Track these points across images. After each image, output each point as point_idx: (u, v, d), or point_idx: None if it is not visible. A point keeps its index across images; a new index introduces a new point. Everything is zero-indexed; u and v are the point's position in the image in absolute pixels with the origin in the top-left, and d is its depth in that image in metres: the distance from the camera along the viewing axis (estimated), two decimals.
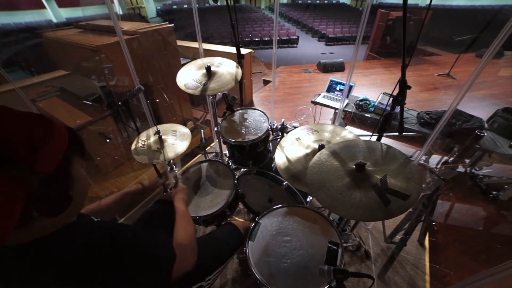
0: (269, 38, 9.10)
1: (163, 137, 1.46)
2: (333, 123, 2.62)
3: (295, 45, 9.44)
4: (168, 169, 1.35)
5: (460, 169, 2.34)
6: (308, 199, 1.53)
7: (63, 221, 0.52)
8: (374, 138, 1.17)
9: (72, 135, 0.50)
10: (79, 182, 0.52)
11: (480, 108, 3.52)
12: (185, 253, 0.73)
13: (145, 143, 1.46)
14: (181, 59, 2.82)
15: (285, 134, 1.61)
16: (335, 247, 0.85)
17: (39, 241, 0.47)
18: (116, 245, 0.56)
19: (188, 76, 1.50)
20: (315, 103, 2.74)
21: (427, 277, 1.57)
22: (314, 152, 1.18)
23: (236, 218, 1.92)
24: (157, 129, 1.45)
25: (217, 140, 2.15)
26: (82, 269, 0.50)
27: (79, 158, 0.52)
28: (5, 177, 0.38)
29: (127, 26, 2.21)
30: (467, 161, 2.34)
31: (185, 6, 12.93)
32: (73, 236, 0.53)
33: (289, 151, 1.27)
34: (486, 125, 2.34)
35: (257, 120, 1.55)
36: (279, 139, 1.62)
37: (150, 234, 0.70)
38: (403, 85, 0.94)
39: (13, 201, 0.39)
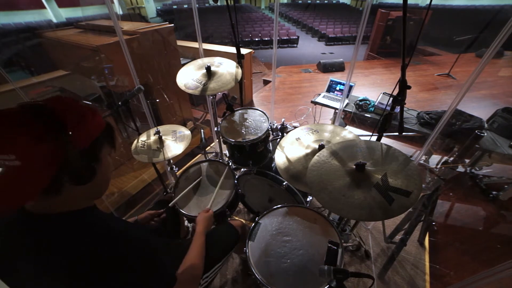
0: (269, 38, 9.09)
1: (163, 137, 1.46)
2: (333, 123, 2.63)
3: (295, 45, 9.44)
4: (168, 169, 1.35)
5: (460, 169, 2.35)
6: (308, 199, 1.53)
7: (83, 201, 0.58)
8: (374, 138, 1.17)
9: (107, 126, 0.60)
10: (104, 166, 0.60)
11: (480, 108, 3.52)
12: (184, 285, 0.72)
13: (145, 143, 1.47)
14: (181, 59, 2.82)
15: (285, 134, 1.61)
16: (335, 247, 0.85)
17: (58, 215, 0.53)
18: (126, 245, 0.56)
19: (188, 76, 1.50)
20: (315, 103, 2.74)
21: (427, 277, 1.57)
22: (314, 152, 1.18)
23: (236, 218, 1.92)
24: (157, 129, 1.45)
25: (217, 140, 2.15)
26: (86, 254, 0.52)
27: (108, 146, 0.61)
28: (53, 140, 0.47)
29: (127, 26, 2.20)
30: (467, 161, 2.34)
31: (185, 6, 12.92)
32: (90, 219, 0.57)
33: (289, 151, 1.27)
34: (486, 125, 2.34)
35: (257, 120, 1.55)
36: (279, 139, 1.63)
37: (160, 248, 0.69)
38: (403, 85, 0.94)
39: (52, 161, 0.47)
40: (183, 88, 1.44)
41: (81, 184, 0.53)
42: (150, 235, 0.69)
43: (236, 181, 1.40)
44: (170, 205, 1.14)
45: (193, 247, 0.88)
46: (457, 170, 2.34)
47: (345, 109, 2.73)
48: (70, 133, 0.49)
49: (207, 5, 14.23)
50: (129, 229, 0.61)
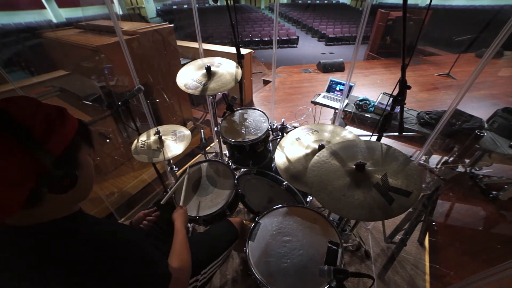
0: (269, 38, 9.09)
1: (163, 137, 1.46)
2: (333, 123, 2.63)
3: (295, 45, 9.43)
4: (168, 169, 1.35)
5: (460, 169, 2.35)
6: (308, 199, 1.53)
7: (68, 206, 0.56)
8: (374, 138, 1.17)
9: (82, 125, 0.57)
10: (85, 168, 0.57)
11: (480, 108, 3.52)
12: (178, 280, 0.71)
13: (145, 143, 1.47)
14: (181, 59, 2.82)
15: (285, 134, 1.61)
16: (335, 247, 0.85)
17: (43, 224, 0.51)
18: (116, 246, 0.55)
19: (188, 76, 1.50)
20: (315, 103, 2.74)
21: (427, 277, 1.57)
22: (314, 152, 1.18)
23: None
24: (157, 129, 1.45)
25: (217, 140, 2.15)
26: (78, 259, 0.50)
27: (86, 146, 0.58)
28: (24, 151, 0.44)
29: (127, 26, 2.21)
30: (467, 161, 2.34)
31: (185, 6, 12.93)
32: (78, 224, 0.55)
33: (289, 151, 1.27)
34: (486, 125, 2.34)
35: (257, 120, 1.55)
36: (279, 139, 1.63)
37: (150, 247, 0.67)
38: (403, 85, 0.94)
39: (28, 173, 0.44)
40: (183, 88, 1.44)
41: (62, 193, 0.50)
42: (141, 235, 0.66)
43: (236, 181, 1.40)
44: (162, 202, 1.14)
45: (176, 242, 0.85)
46: (457, 170, 2.34)
47: (345, 109, 2.73)
48: (39, 139, 0.45)
49: (207, 5, 14.22)
50: (118, 231, 0.59)
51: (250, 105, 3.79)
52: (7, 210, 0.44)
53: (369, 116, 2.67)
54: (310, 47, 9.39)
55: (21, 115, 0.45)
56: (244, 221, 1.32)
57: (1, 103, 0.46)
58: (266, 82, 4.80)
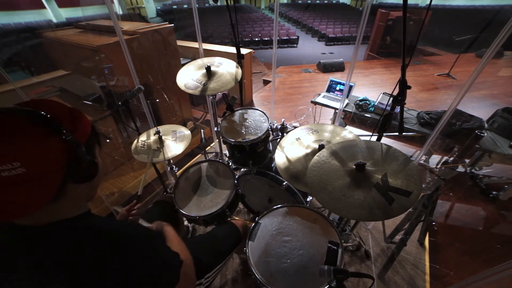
0: (269, 38, 9.09)
1: (163, 137, 1.46)
2: (333, 123, 2.63)
3: (295, 45, 9.44)
4: (168, 169, 1.35)
5: (460, 169, 2.35)
6: (308, 199, 1.53)
7: (80, 204, 0.58)
8: (374, 138, 1.17)
9: (92, 125, 0.61)
10: (99, 163, 0.60)
11: (480, 108, 3.52)
12: (187, 270, 0.71)
13: (145, 143, 1.47)
14: (181, 59, 2.82)
15: (285, 134, 1.61)
16: (335, 247, 0.85)
17: (50, 224, 0.52)
18: (117, 245, 0.55)
19: (188, 76, 1.50)
20: (315, 103, 2.74)
21: (427, 277, 1.57)
22: (314, 152, 1.18)
23: (236, 218, 1.92)
24: (157, 129, 1.45)
25: (217, 140, 2.15)
26: (79, 259, 0.51)
27: (96, 144, 0.62)
28: (56, 140, 0.47)
29: (127, 26, 2.20)
30: (467, 161, 2.34)
31: (185, 6, 12.93)
32: (88, 224, 0.56)
33: (289, 151, 1.27)
34: (486, 125, 2.34)
35: (257, 120, 1.55)
36: (279, 139, 1.62)
37: (156, 242, 0.68)
38: (403, 85, 0.94)
39: (61, 161, 0.48)
40: (183, 88, 1.44)
41: (87, 181, 0.54)
42: (145, 230, 0.67)
43: (236, 181, 1.40)
44: (139, 193, 1.16)
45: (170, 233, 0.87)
46: (457, 170, 2.34)
47: (345, 109, 2.73)
48: (69, 131, 0.49)
49: (207, 5, 14.22)
50: (121, 230, 0.59)
51: (250, 105, 3.79)
52: (40, 200, 0.46)
53: (369, 116, 2.67)
54: (310, 47, 9.39)
55: (50, 110, 0.49)
56: (245, 221, 1.32)
57: (29, 103, 0.50)
58: (266, 82, 4.80)
